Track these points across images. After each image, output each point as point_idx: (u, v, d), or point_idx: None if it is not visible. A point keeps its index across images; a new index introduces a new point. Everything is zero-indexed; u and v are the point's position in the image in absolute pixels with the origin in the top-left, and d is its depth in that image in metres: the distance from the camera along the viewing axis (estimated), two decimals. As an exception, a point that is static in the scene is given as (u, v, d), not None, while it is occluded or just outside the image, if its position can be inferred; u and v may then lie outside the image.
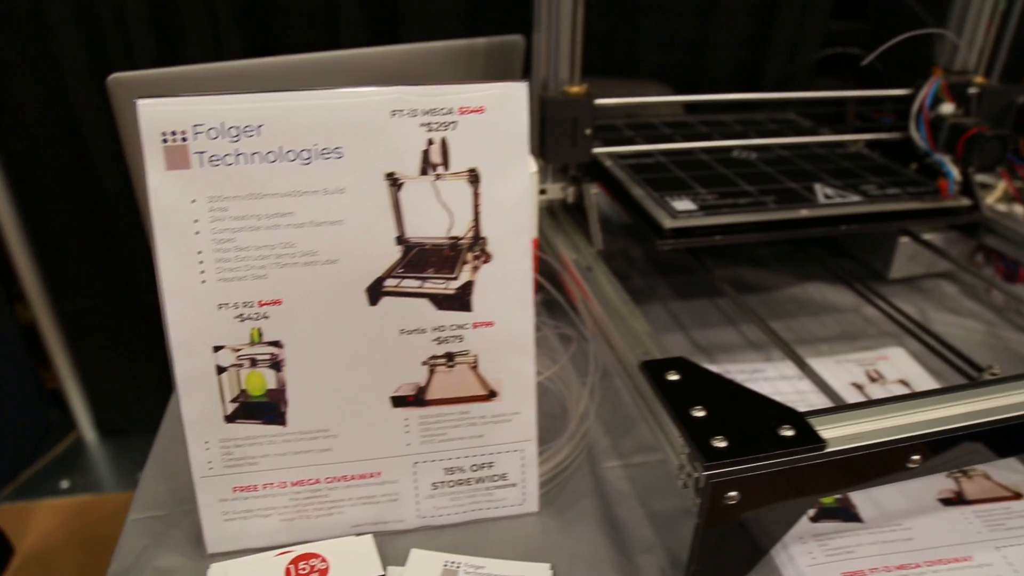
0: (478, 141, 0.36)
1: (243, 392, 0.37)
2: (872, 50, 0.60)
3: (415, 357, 0.38)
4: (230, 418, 0.38)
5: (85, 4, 0.87)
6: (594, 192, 0.54)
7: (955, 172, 0.56)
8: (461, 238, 0.37)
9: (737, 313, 0.59)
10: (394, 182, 0.36)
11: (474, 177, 0.37)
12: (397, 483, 0.40)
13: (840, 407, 0.39)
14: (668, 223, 0.51)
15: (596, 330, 0.46)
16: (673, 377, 0.39)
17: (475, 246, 0.37)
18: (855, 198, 0.56)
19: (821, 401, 0.51)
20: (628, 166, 0.59)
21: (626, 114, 0.72)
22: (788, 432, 0.35)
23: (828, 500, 0.44)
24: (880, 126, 0.62)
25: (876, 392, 0.52)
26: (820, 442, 0.35)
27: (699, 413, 0.36)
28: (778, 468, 0.34)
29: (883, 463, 0.37)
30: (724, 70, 0.98)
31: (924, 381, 0.53)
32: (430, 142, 0.36)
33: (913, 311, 0.60)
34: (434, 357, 0.39)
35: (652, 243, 0.51)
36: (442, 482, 0.41)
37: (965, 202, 0.58)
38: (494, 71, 0.59)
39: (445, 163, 0.36)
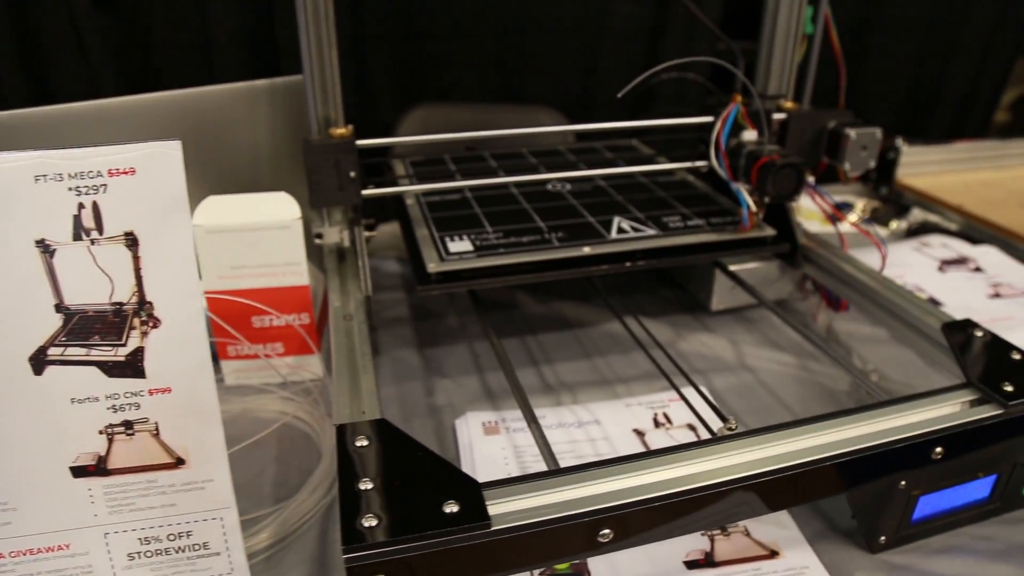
0: (132, 203, 0.35)
1: (-90, 467, 0.36)
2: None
3: (90, 426, 0.37)
4: (-101, 493, 0.36)
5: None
6: (368, 235, 0.52)
7: (750, 201, 0.53)
8: (125, 303, 0.36)
9: (541, 355, 0.57)
10: (45, 249, 0.35)
11: (132, 240, 0.35)
12: (89, 555, 0.39)
13: (531, 475, 0.36)
14: (433, 267, 0.49)
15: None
16: (361, 443, 0.37)
17: (141, 311, 0.36)
18: (651, 232, 0.53)
19: (595, 451, 0.49)
20: (428, 203, 0.57)
21: (465, 147, 0.70)
22: (452, 508, 0.33)
23: (562, 567, 0.41)
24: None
25: (657, 439, 0.49)
26: (485, 520, 0.33)
27: (366, 486, 0.35)
28: (429, 551, 0.32)
29: (564, 540, 0.35)
30: (615, 94, 0.96)
31: (714, 423, 0.50)
32: (81, 206, 0.35)
33: (726, 345, 0.58)
34: (111, 425, 0.37)
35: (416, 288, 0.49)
36: (138, 552, 0.39)
37: (769, 232, 0.55)
38: (283, 112, 0.57)
39: (99, 227, 0.35)
